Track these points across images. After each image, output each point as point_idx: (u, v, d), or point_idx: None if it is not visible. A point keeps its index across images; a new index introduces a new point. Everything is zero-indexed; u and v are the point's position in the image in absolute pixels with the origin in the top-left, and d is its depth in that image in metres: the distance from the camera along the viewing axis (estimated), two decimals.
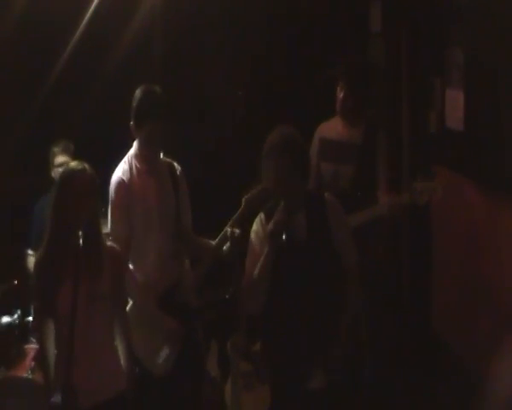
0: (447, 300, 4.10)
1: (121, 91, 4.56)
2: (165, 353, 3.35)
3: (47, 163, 4.24)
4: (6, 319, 3.72)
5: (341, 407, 3.00)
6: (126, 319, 2.97)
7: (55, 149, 4.23)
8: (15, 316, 3.78)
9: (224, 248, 3.45)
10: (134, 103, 3.35)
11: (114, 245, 2.96)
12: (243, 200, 3.42)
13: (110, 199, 3.38)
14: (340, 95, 3.80)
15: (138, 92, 3.37)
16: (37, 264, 2.89)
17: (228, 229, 3.39)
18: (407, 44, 4.52)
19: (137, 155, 3.43)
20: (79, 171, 2.80)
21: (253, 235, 3.07)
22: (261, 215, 3.10)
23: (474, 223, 3.76)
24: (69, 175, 2.81)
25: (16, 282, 3.83)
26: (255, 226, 3.09)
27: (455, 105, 3.88)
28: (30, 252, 4.11)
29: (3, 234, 4.44)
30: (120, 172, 3.40)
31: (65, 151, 4.21)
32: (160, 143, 3.39)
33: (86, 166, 2.83)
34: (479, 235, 3.72)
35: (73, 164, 2.87)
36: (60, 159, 4.17)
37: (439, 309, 4.24)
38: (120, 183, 3.37)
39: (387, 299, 3.20)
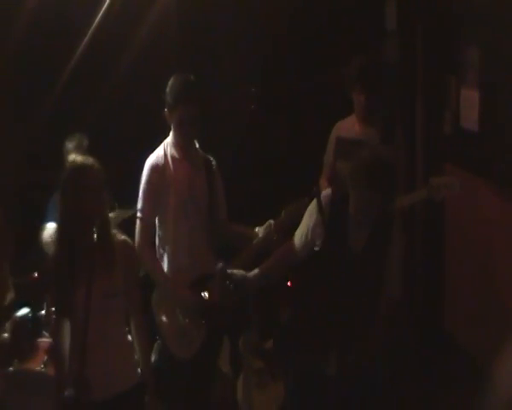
0: (460, 299, 4.09)
1: (135, 85, 4.65)
2: (189, 337, 3.36)
3: (62, 157, 4.25)
4: (21, 312, 3.74)
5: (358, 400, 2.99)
6: (141, 313, 2.98)
7: (69, 146, 4.24)
8: (28, 309, 3.81)
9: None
10: (167, 90, 3.43)
11: (127, 240, 2.97)
12: (283, 212, 3.43)
13: (141, 181, 3.47)
14: (361, 98, 3.79)
15: (172, 79, 3.46)
16: (52, 260, 2.90)
17: (271, 223, 3.42)
18: (422, 43, 4.50)
19: (172, 142, 3.50)
20: (83, 168, 2.80)
21: (307, 213, 3.12)
22: (328, 191, 3.11)
23: (488, 223, 3.74)
24: (73, 174, 2.81)
25: (36, 274, 3.85)
26: (311, 207, 3.11)
27: (470, 105, 3.86)
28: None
29: (20, 229, 4.45)
30: (155, 156, 3.50)
31: (78, 148, 4.22)
32: (192, 130, 3.44)
33: (91, 162, 2.82)
34: (492, 235, 3.70)
35: (78, 161, 2.87)
36: (73, 157, 4.17)
37: (452, 308, 4.23)
38: (153, 166, 3.46)
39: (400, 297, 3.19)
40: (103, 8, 4.65)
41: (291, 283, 3.82)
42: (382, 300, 3.02)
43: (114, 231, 2.92)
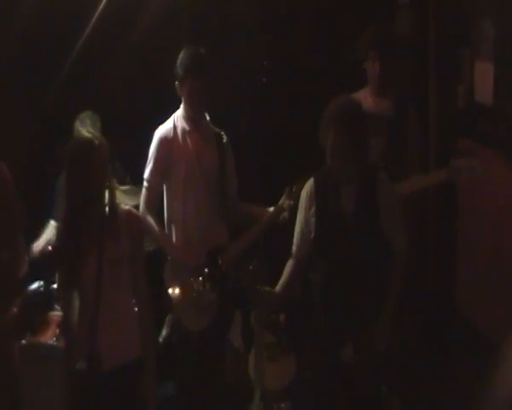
0: (472, 276, 4.06)
1: (147, 58, 4.61)
2: (200, 311, 3.38)
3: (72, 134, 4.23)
4: (33, 286, 3.76)
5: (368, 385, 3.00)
6: (143, 281, 2.96)
7: (80, 127, 4.20)
8: (41, 283, 3.82)
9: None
10: (178, 62, 3.45)
11: (131, 209, 2.99)
12: (293, 186, 3.42)
13: (150, 151, 3.50)
14: (375, 65, 3.73)
15: (182, 52, 3.48)
16: (59, 233, 2.91)
17: (285, 200, 3.43)
18: (435, 16, 4.43)
19: (182, 115, 3.51)
20: (86, 144, 2.78)
21: (303, 194, 3.12)
22: (312, 178, 3.11)
23: (503, 198, 3.70)
24: (76, 150, 2.80)
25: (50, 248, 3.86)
26: (306, 187, 3.12)
27: (484, 78, 3.80)
28: (52, 223, 4.12)
29: (32, 204, 4.45)
30: (164, 128, 3.52)
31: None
32: (201, 102, 3.45)
33: (93, 136, 2.81)
34: (507, 212, 3.66)
35: (81, 136, 2.86)
36: (77, 132, 4.15)
37: (464, 286, 4.21)
38: (161, 138, 3.49)
39: (412, 275, 3.19)
40: None
41: None
42: (391, 263, 3.00)
43: (119, 201, 2.93)
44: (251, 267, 3.37)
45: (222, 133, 3.58)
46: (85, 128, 4.12)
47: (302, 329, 3.23)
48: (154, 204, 3.52)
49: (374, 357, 2.95)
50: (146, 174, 3.50)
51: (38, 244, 3.92)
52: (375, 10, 4.60)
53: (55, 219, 3.98)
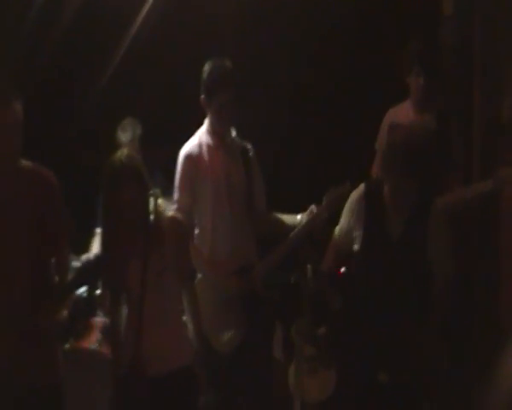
0: None
1: (190, 69, 4.65)
2: (229, 333, 3.38)
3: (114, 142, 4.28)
4: (77, 292, 3.82)
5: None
6: (193, 290, 3.01)
7: (122, 138, 4.23)
8: (84, 289, 3.88)
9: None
10: (204, 76, 3.37)
11: (175, 215, 3.03)
12: (324, 197, 3.39)
13: (176, 171, 3.43)
14: (420, 81, 3.72)
15: (208, 65, 3.40)
16: (104, 240, 2.95)
17: (314, 209, 3.38)
18: (480, 28, 4.38)
19: (208, 131, 3.45)
20: (121, 167, 2.81)
21: (348, 202, 3.07)
22: (361, 187, 3.06)
23: None
24: (107, 177, 2.84)
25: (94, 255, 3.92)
26: (353, 195, 3.07)
27: None
28: (99, 231, 4.18)
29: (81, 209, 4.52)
30: (189, 146, 3.45)
31: (133, 139, 4.20)
32: (230, 116, 3.39)
33: (128, 156, 2.83)
34: None
35: (110, 161, 2.87)
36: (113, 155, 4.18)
37: (507, 301, 4.15)
38: (187, 156, 3.41)
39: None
40: None
41: (341, 271, 3.81)
42: (434, 291, 2.98)
43: (163, 208, 2.96)
44: (292, 280, 3.37)
45: (248, 147, 3.53)
46: (124, 137, 4.18)
47: (343, 343, 3.21)
48: (190, 219, 3.43)
49: (414, 377, 2.93)
50: (175, 196, 3.44)
51: (89, 257, 3.97)
52: (419, 21, 4.58)
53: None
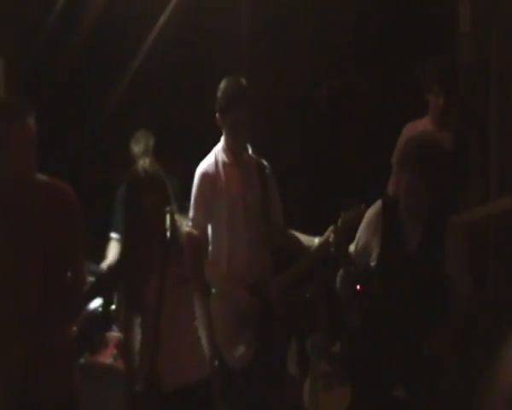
0: None
1: (205, 82, 4.67)
2: (241, 349, 3.37)
3: (127, 155, 4.30)
4: (92, 306, 3.83)
5: None
6: (207, 304, 3.01)
7: (136, 150, 4.26)
8: (99, 303, 3.89)
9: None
10: (219, 94, 3.39)
11: (192, 230, 3.04)
12: (339, 219, 3.36)
13: (193, 189, 3.44)
14: (439, 100, 3.72)
15: (223, 82, 3.41)
16: (121, 253, 2.96)
17: (330, 234, 3.36)
18: (497, 45, 4.37)
19: (223, 148, 3.46)
20: (145, 176, 2.83)
21: (365, 218, 3.08)
22: (378, 203, 3.06)
23: None
24: (136, 185, 2.85)
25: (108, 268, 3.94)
26: (371, 211, 3.07)
27: None
28: (114, 235, 4.19)
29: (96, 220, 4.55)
30: (206, 164, 3.46)
31: (145, 151, 4.23)
32: (245, 134, 3.40)
33: (151, 166, 2.85)
34: None
35: (139, 168, 2.88)
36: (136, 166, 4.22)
37: None
38: (204, 174, 3.42)
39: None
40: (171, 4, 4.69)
41: (360, 286, 3.79)
42: (454, 304, 2.95)
43: (179, 223, 2.96)
44: (308, 296, 3.36)
45: (265, 163, 3.54)
46: (137, 148, 4.20)
47: (358, 358, 3.19)
48: (205, 236, 3.45)
49: (430, 395, 2.90)
50: (191, 214, 3.44)
51: (107, 263, 3.99)
52: (436, 38, 4.58)
53: (116, 231, 4.04)
